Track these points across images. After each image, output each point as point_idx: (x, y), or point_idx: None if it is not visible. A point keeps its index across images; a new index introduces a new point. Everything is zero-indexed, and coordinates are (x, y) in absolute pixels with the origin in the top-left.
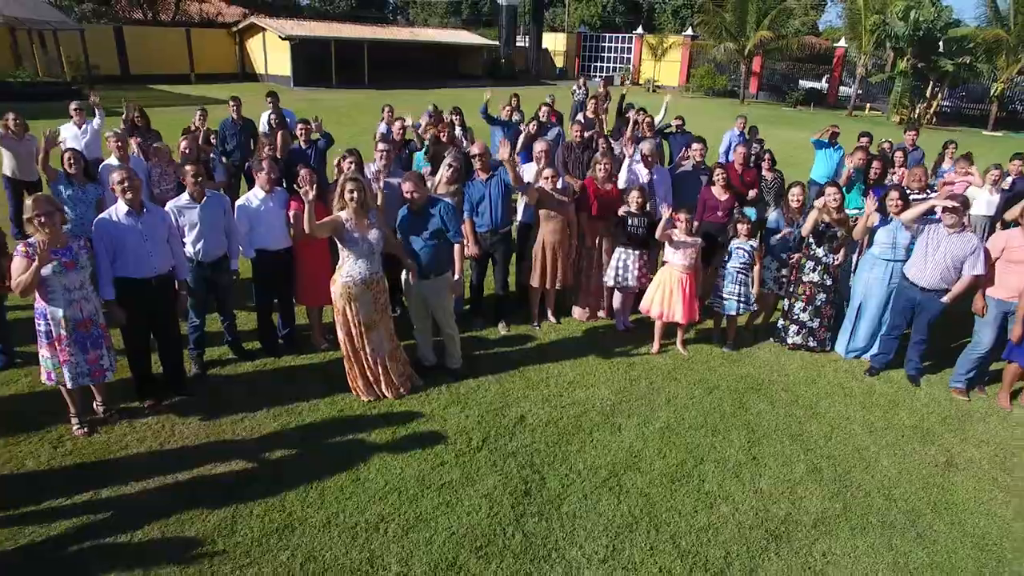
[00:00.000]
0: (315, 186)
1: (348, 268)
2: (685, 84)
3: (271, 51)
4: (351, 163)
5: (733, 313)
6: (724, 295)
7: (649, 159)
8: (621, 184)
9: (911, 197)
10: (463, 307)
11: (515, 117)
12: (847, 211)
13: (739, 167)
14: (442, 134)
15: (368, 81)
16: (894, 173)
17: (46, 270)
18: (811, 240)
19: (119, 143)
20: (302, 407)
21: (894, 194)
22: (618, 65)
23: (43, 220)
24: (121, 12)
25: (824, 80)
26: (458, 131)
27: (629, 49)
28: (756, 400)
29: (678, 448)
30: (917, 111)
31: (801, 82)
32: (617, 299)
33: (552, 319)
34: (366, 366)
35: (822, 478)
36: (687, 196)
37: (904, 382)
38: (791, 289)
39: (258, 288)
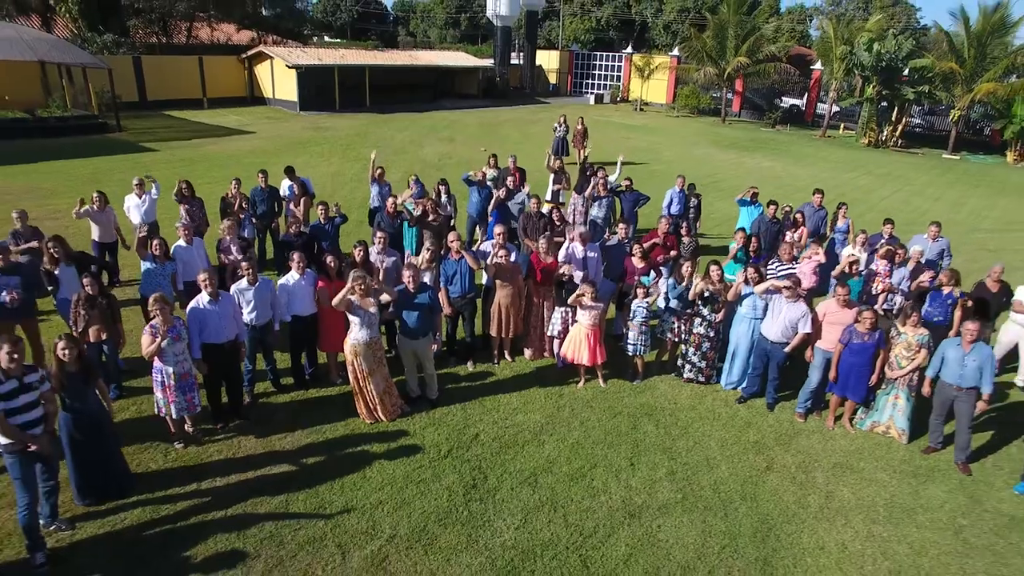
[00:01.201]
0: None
1: (355, 334)
2: (672, 102)
3: (278, 77)
4: (360, 251)
5: (638, 354)
6: (629, 342)
7: (583, 238)
8: (561, 258)
9: (780, 266)
10: (441, 351)
11: (490, 174)
12: (728, 278)
13: (662, 234)
14: (427, 205)
15: (370, 103)
16: (794, 232)
17: (164, 343)
18: (699, 302)
19: (186, 231)
20: (325, 427)
21: (751, 271)
22: (608, 83)
23: (159, 311)
24: (138, 40)
25: (804, 98)
26: (444, 198)
27: (619, 67)
28: (646, 422)
29: (581, 457)
30: (884, 133)
31: (784, 98)
32: (556, 344)
33: (508, 358)
34: (367, 399)
35: (675, 478)
36: (615, 264)
37: (763, 408)
38: (685, 337)
39: (292, 340)
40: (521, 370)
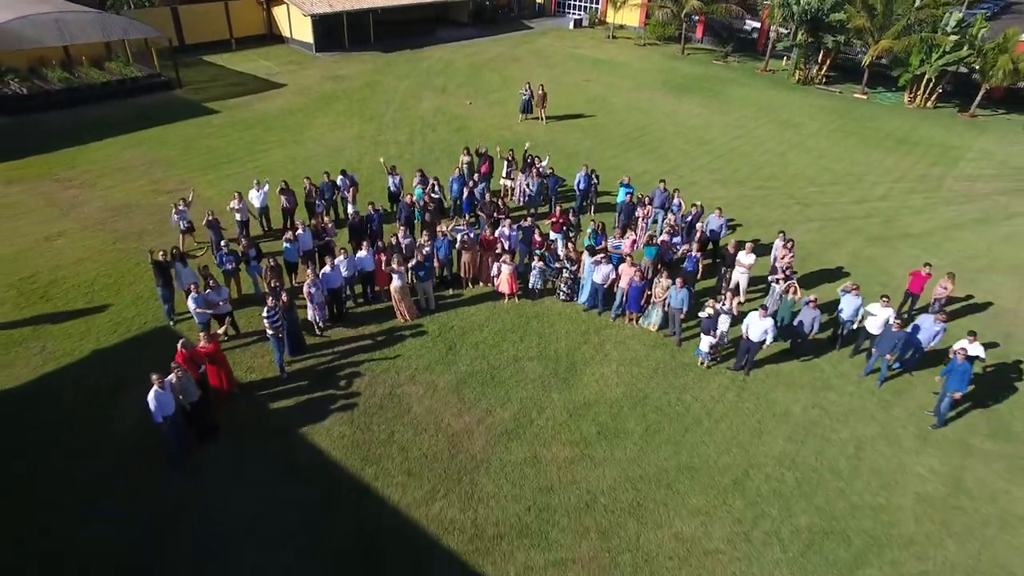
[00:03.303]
0: (383, 248)
1: (395, 282)
2: (644, 26)
3: (294, 20)
4: (394, 237)
5: (535, 287)
6: (531, 280)
7: (511, 224)
8: (498, 234)
9: (614, 241)
10: (436, 282)
11: (465, 159)
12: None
13: (559, 214)
14: (426, 199)
15: (374, 40)
16: (643, 210)
17: (314, 289)
18: (566, 262)
19: (303, 225)
20: (383, 323)
21: (586, 251)
22: (588, 5)
23: (312, 275)
24: None
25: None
26: (436, 187)
27: None
28: (536, 322)
29: (498, 336)
30: (813, 71)
31: (748, 22)
32: (495, 280)
33: (470, 287)
34: (401, 310)
35: (539, 347)
36: (526, 236)
37: (595, 314)
38: (559, 278)
39: (362, 282)
40: (476, 293)
